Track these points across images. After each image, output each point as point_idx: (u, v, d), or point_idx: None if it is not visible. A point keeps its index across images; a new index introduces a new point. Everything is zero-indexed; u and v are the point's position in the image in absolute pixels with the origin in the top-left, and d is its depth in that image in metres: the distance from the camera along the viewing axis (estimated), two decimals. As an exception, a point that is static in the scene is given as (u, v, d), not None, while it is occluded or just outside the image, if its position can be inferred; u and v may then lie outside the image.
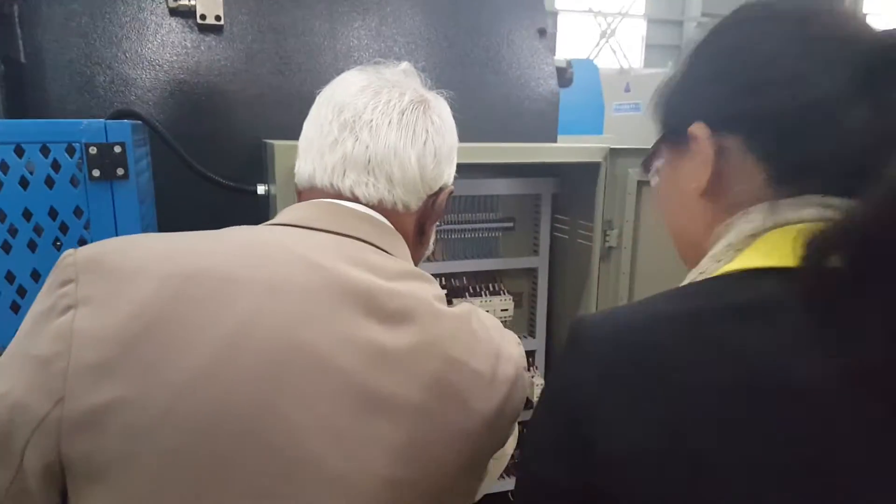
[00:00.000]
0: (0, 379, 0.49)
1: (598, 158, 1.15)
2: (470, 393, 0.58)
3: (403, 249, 0.66)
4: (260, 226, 0.62)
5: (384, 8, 1.35)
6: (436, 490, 0.57)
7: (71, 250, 0.52)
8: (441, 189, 0.69)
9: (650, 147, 0.61)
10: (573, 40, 11.88)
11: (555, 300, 1.38)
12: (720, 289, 0.45)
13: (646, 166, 0.63)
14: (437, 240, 1.25)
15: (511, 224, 1.33)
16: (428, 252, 0.77)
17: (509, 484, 1.25)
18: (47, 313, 0.49)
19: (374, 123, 0.63)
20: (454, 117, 0.72)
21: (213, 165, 1.17)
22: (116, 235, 0.85)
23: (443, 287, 1.29)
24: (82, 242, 0.84)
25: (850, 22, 0.49)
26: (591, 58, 9.93)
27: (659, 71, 7.18)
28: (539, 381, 1.33)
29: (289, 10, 1.28)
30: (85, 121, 0.82)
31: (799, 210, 0.46)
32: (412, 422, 0.54)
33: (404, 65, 0.72)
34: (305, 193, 0.67)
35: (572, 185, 1.28)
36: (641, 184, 1.12)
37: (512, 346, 0.66)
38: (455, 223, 1.27)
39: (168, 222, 1.17)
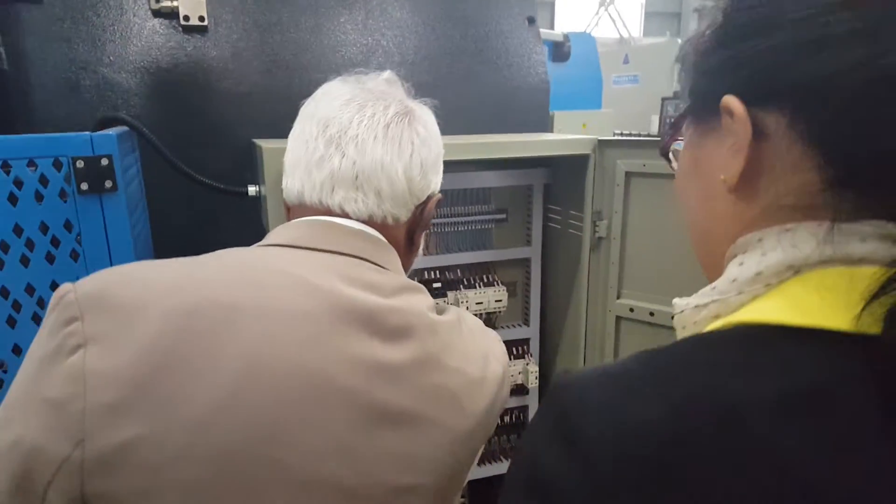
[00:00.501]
0: (9, 425, 0.48)
1: (586, 150, 1.15)
2: (466, 397, 0.61)
3: (396, 262, 0.67)
4: (254, 247, 0.62)
5: (370, 1, 1.33)
6: (438, 489, 0.60)
7: (68, 285, 0.51)
8: (429, 198, 0.70)
9: (668, 124, 0.50)
10: (572, 9, 11.67)
11: (548, 289, 1.40)
12: (759, 359, 0.32)
13: (663, 147, 0.52)
14: (430, 233, 1.26)
15: (504, 216, 1.34)
16: (417, 259, 0.78)
17: (485, 471, 1.32)
18: (54, 354, 0.48)
19: (359, 138, 0.63)
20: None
21: (204, 167, 1.17)
22: (108, 247, 0.86)
23: (437, 280, 1.31)
24: (75, 256, 0.85)
25: None
26: (589, 28, 9.74)
27: (658, 40, 7.06)
28: (533, 369, 1.36)
29: (273, 6, 1.26)
30: (70, 134, 0.83)
31: (864, 242, 0.34)
32: (416, 431, 0.57)
33: (387, 74, 0.72)
34: (294, 210, 0.67)
35: (563, 175, 1.28)
36: (630, 175, 1.13)
37: (496, 345, 0.71)
38: (448, 216, 1.28)
39: (161, 227, 1.18)
